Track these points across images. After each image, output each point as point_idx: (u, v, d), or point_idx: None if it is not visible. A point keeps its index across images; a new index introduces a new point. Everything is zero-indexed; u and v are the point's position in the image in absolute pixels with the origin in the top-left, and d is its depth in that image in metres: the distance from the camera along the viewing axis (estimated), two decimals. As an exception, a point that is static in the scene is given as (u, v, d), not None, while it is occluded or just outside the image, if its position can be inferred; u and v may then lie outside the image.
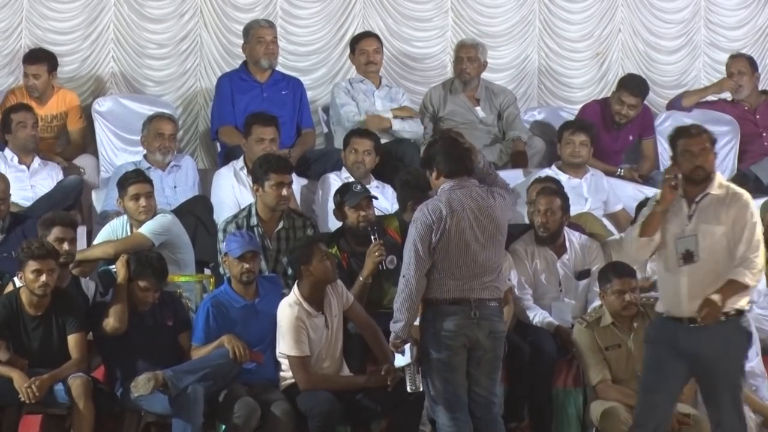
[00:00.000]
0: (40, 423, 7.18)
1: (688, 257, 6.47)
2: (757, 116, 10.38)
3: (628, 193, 9.48)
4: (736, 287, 6.38)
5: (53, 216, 7.57)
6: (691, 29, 11.05)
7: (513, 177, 8.86)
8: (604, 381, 7.42)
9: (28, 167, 9.03)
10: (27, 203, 8.76)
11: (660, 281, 6.76)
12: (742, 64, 10.39)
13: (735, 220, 6.46)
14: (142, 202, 7.86)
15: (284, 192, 7.82)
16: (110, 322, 7.14)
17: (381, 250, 7.64)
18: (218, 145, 9.73)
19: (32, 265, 7.02)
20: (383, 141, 9.18)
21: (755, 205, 6.62)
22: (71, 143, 9.64)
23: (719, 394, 6.48)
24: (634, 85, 9.96)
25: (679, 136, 6.63)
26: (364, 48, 9.78)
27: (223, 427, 7.15)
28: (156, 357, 7.13)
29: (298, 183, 8.87)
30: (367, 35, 9.95)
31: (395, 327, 6.61)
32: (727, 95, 10.52)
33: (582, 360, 7.61)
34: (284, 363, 7.20)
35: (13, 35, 9.94)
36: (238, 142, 9.12)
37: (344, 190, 7.92)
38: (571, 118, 10.00)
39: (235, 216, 7.94)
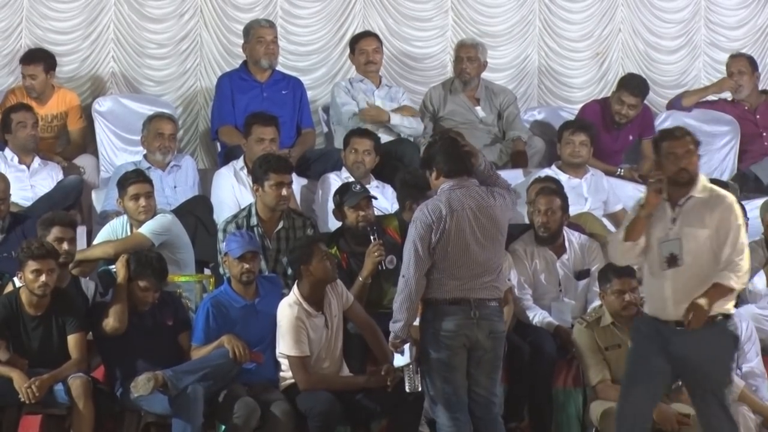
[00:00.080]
0: (39, 423, 7.18)
1: (672, 261, 6.44)
2: (757, 116, 10.38)
3: (628, 193, 9.47)
4: (721, 291, 6.35)
5: (52, 216, 7.57)
6: (691, 29, 11.05)
7: (513, 177, 8.84)
8: (603, 381, 7.41)
9: (28, 167, 9.03)
10: (27, 203, 8.76)
11: (645, 285, 6.72)
12: (742, 63, 10.39)
13: (719, 223, 6.42)
14: (142, 202, 7.86)
15: (284, 192, 7.82)
16: (110, 322, 7.13)
17: (380, 250, 7.64)
18: (218, 144, 9.73)
19: (32, 265, 7.02)
20: (383, 141, 9.18)
21: (739, 207, 6.55)
22: (71, 143, 9.64)
23: (707, 397, 6.45)
24: (634, 84, 9.96)
25: (662, 138, 6.57)
26: (363, 48, 9.79)
27: (223, 427, 7.15)
28: (156, 357, 7.13)
29: (298, 183, 8.87)
30: (367, 35, 9.95)
31: (394, 327, 6.61)
32: (727, 95, 10.53)
33: (582, 360, 7.60)
34: (284, 363, 7.20)
35: (13, 35, 9.94)
36: (238, 142, 9.12)
37: (344, 190, 7.92)
38: (571, 117, 10.00)
39: (235, 216, 7.93)
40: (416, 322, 6.70)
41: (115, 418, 7.25)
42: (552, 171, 9.34)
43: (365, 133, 8.99)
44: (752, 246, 8.49)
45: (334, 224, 8.25)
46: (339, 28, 10.45)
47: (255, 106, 9.36)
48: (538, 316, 7.98)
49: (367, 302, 7.61)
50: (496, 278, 6.71)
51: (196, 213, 8.47)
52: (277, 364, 7.25)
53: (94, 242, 8.13)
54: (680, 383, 6.85)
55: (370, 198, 7.88)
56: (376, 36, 9.97)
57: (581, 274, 8.21)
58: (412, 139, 9.58)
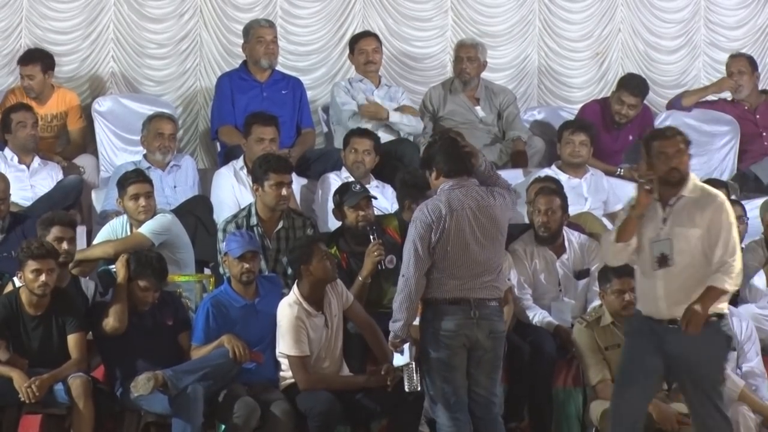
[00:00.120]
0: (39, 423, 7.18)
1: (663, 261, 6.43)
2: (757, 116, 10.38)
3: (628, 193, 9.31)
4: (716, 294, 6.34)
5: (52, 215, 7.57)
6: (691, 29, 11.05)
7: (513, 177, 8.84)
8: (603, 381, 7.40)
9: (28, 167, 9.03)
10: (27, 203, 8.76)
11: (638, 285, 6.70)
12: (742, 63, 10.39)
13: (710, 223, 6.40)
14: (142, 201, 7.86)
15: (284, 192, 7.81)
16: (110, 322, 7.13)
17: (380, 250, 7.64)
18: (218, 144, 9.73)
19: (32, 264, 7.02)
20: (383, 141, 9.18)
21: (730, 206, 6.52)
22: (71, 143, 9.64)
23: (700, 397, 6.45)
24: (634, 84, 9.96)
25: (653, 138, 6.56)
26: (363, 48, 9.79)
27: (223, 426, 7.15)
28: (156, 357, 7.13)
29: (297, 183, 8.87)
30: (366, 35, 9.95)
31: (394, 326, 6.61)
32: (727, 95, 10.53)
33: (582, 360, 7.60)
34: (284, 363, 7.20)
35: (13, 35, 9.94)
36: (237, 141, 9.12)
37: (343, 190, 7.92)
38: (571, 117, 10.01)
39: (235, 216, 7.93)
40: (416, 322, 6.70)
41: (115, 417, 7.25)
42: (552, 171, 9.34)
43: (365, 133, 8.99)
44: (752, 246, 8.53)
45: (334, 224, 8.25)
46: (339, 28, 10.45)
47: (255, 105, 9.36)
48: (538, 315, 7.98)
49: (367, 302, 7.61)
50: (496, 278, 6.71)
51: (195, 213, 8.47)
52: (277, 364, 7.25)
53: (94, 242, 8.12)
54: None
55: (369, 198, 7.88)
56: (375, 36, 9.98)
57: (581, 274, 8.21)
58: (411, 139, 9.58)
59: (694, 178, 6.56)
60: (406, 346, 6.62)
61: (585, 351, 7.53)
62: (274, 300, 7.29)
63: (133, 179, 7.93)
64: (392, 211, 8.39)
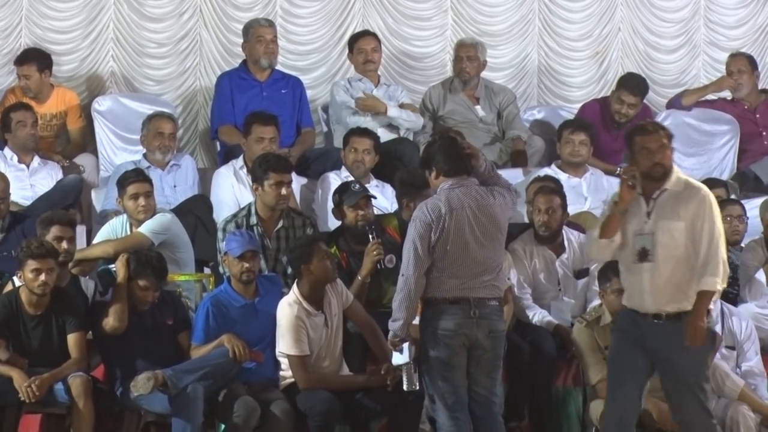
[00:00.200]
0: (39, 422, 7.18)
1: (643, 255, 6.43)
2: (757, 115, 10.38)
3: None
4: (709, 297, 6.34)
5: (52, 215, 7.57)
6: (691, 28, 11.05)
7: (512, 176, 8.85)
8: (603, 380, 7.39)
9: (28, 166, 9.03)
10: (26, 202, 8.76)
11: (623, 278, 6.69)
12: (741, 62, 10.39)
13: (694, 216, 6.39)
14: (142, 201, 7.85)
15: (284, 191, 7.81)
16: (110, 322, 7.13)
17: (379, 249, 7.64)
18: (218, 144, 9.73)
19: (31, 264, 7.02)
20: (383, 140, 9.18)
21: (714, 199, 6.51)
22: (71, 142, 9.63)
23: (682, 393, 6.44)
24: (633, 84, 9.97)
25: (635, 133, 6.54)
26: (362, 47, 9.79)
27: (223, 426, 7.15)
28: (156, 356, 7.13)
29: (297, 182, 8.87)
30: (365, 34, 9.96)
31: (394, 325, 6.61)
32: (726, 94, 10.53)
33: (582, 359, 7.61)
34: (284, 362, 7.20)
35: (13, 34, 9.94)
36: (237, 141, 9.12)
37: (343, 190, 7.92)
38: (571, 117, 10.01)
39: (235, 215, 7.93)
40: (416, 321, 6.70)
41: (115, 417, 7.25)
42: (552, 170, 9.34)
43: (365, 133, 8.99)
44: (752, 245, 8.53)
45: (333, 223, 8.25)
46: (338, 27, 10.45)
47: (254, 105, 9.36)
48: (537, 315, 7.99)
49: (367, 301, 7.61)
50: (496, 277, 6.70)
51: (195, 212, 8.47)
52: (277, 364, 7.25)
53: (94, 241, 8.12)
54: None
55: (369, 197, 7.88)
56: (374, 35, 9.98)
57: (581, 273, 8.21)
58: (411, 137, 9.58)
59: (678, 171, 6.55)
60: (405, 346, 6.62)
61: (585, 350, 7.54)
62: (274, 299, 7.29)
63: (132, 179, 7.93)
64: (392, 211, 8.39)
